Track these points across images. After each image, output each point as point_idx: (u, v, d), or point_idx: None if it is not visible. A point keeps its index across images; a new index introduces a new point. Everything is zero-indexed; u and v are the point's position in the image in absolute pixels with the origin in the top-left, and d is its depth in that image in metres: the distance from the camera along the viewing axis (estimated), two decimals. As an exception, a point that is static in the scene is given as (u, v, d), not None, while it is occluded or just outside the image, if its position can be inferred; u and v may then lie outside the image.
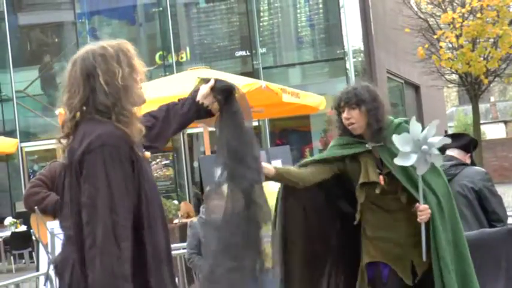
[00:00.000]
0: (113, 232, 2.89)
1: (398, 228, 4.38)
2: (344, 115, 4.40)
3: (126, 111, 3.07)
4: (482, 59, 18.48)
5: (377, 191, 4.35)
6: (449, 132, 40.81)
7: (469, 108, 41.54)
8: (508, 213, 5.74)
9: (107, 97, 3.04)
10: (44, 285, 5.53)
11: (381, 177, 4.35)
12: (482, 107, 31.90)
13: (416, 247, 4.31)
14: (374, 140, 4.40)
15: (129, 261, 2.93)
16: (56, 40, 20.57)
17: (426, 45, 19.66)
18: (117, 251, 2.88)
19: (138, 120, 3.13)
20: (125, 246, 2.92)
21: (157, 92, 10.62)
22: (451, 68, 19.52)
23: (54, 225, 5.39)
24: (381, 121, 4.38)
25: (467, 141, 5.78)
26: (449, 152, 5.71)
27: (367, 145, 4.41)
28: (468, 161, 5.73)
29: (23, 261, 15.36)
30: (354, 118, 4.37)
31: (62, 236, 5.29)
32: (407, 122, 4.47)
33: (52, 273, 5.43)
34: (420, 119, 25.21)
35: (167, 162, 6.78)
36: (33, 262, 13.07)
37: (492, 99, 56.50)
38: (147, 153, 3.16)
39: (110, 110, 3.05)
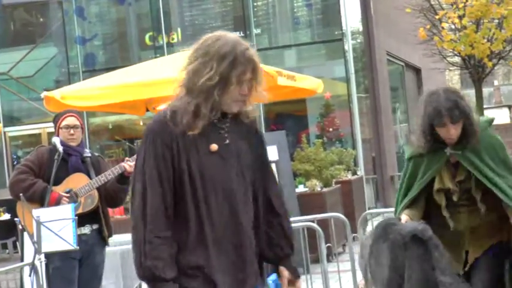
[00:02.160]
0: (142, 200, 3.37)
1: (461, 219, 4.56)
2: (449, 132, 4.42)
3: (189, 106, 3.39)
4: (486, 40, 18.44)
5: (454, 199, 4.54)
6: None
7: (472, 92, 41.52)
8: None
9: (183, 86, 3.45)
10: (29, 276, 5.52)
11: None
12: (485, 91, 31.89)
13: (477, 238, 4.52)
14: (455, 147, 4.49)
15: (157, 224, 3.36)
16: (41, 20, 20.46)
17: (428, 26, 19.60)
18: (143, 215, 3.37)
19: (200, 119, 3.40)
20: (151, 212, 3.37)
21: (147, 75, 10.59)
22: (453, 50, 19.49)
23: (40, 213, 5.38)
24: (475, 134, 4.44)
25: None
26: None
27: (446, 151, 4.50)
28: None
29: (7, 251, 15.35)
30: (456, 133, 4.43)
31: (48, 225, 5.30)
32: (490, 122, 4.59)
33: (38, 263, 5.43)
34: (421, 104, 25.28)
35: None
36: (17, 252, 13.05)
37: (496, 83, 56.51)
38: (214, 146, 3.44)
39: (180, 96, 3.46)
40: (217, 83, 3.38)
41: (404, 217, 4.53)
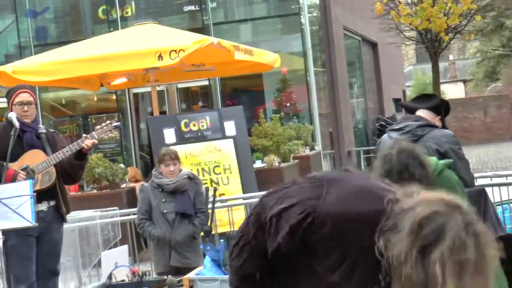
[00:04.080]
0: None
1: None
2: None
3: None
4: (442, 14, 18.62)
5: None
6: (408, 92, 41.26)
7: (427, 66, 41.81)
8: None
9: None
10: (-14, 254, 5.50)
11: None
12: (440, 65, 32.24)
13: None
14: None
15: None
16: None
17: (385, 1, 19.71)
18: None
19: None
20: None
21: (101, 49, 10.52)
22: (410, 24, 19.62)
23: (-3, 189, 5.34)
24: (425, 178, 4.29)
25: (437, 103, 5.85)
26: (418, 113, 5.78)
27: None
28: (438, 124, 5.78)
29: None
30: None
31: (5, 201, 5.26)
32: (449, 166, 4.63)
33: (-4, 240, 5.40)
34: (378, 78, 25.47)
35: (118, 124, 6.69)
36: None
37: (451, 57, 57.09)
38: None
39: None
40: None
41: None
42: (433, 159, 4.60)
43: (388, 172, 4.35)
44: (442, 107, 5.85)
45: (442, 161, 4.73)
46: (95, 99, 18.23)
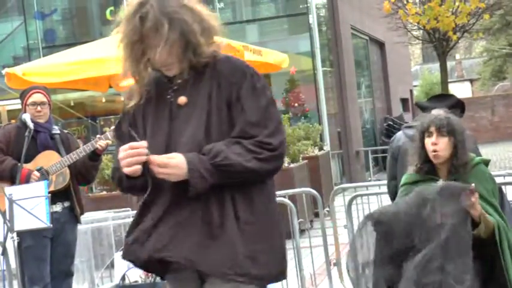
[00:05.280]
0: None
1: None
2: (432, 140, 4.47)
3: None
4: (450, 13, 18.59)
5: None
6: (415, 91, 41.16)
7: (434, 66, 41.75)
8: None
9: None
10: (2, 254, 5.49)
11: None
12: (447, 65, 32.24)
13: None
14: (448, 177, 4.49)
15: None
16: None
17: (393, 0, 19.70)
18: None
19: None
20: None
21: (109, 51, 10.52)
22: (418, 23, 19.60)
23: (12, 191, 5.33)
24: (464, 157, 4.48)
25: (454, 102, 5.82)
26: (435, 112, 5.76)
27: (439, 183, 4.47)
28: None
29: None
30: (442, 145, 4.45)
31: (20, 203, 5.26)
32: (486, 163, 4.65)
33: (10, 241, 5.39)
34: (385, 78, 25.44)
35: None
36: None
37: (457, 56, 57.00)
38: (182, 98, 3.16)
39: None
40: None
41: None
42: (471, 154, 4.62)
43: (428, 120, 4.55)
44: (458, 107, 5.82)
45: (479, 157, 4.71)
46: (103, 100, 18.24)
